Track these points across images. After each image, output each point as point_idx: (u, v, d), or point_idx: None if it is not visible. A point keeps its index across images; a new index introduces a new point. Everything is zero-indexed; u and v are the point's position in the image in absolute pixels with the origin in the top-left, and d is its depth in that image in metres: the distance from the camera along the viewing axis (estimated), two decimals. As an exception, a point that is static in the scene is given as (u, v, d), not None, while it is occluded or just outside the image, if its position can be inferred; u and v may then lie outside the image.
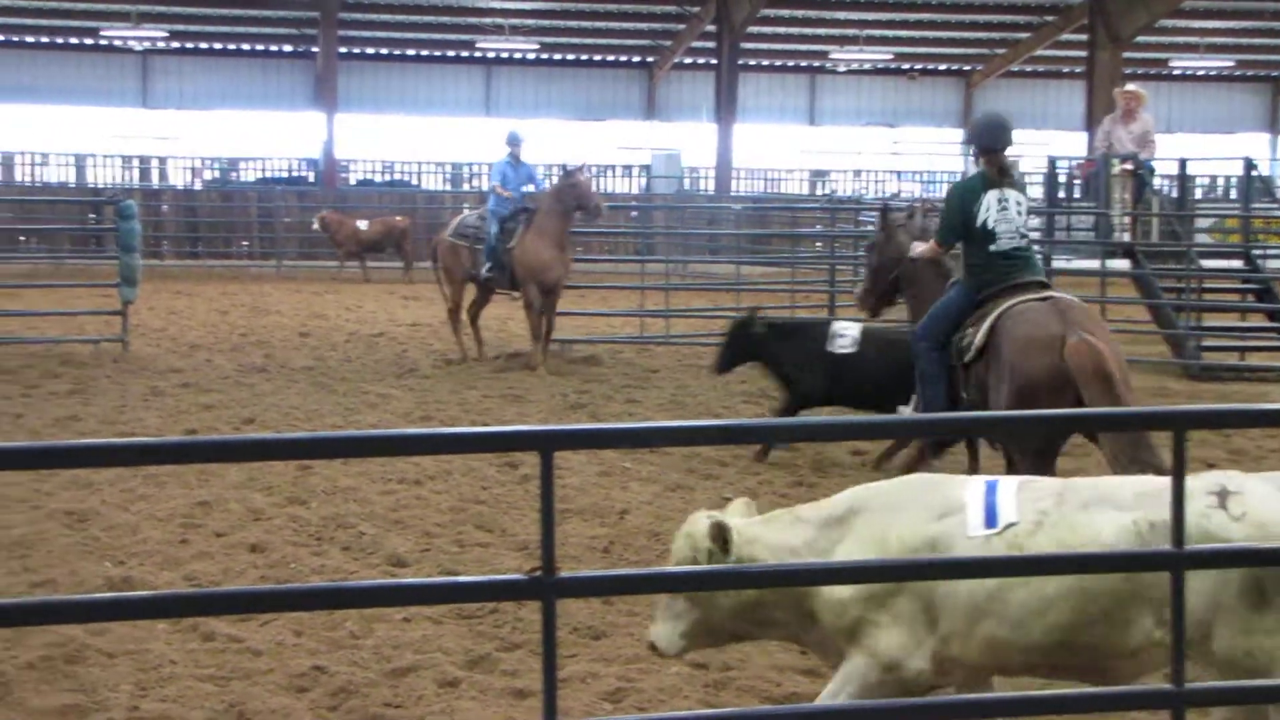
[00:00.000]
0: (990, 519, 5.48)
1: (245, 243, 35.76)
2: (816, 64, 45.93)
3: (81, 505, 11.33)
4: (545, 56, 44.21)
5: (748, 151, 42.55)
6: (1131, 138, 20.26)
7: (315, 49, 40.41)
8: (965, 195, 10.55)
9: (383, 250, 29.43)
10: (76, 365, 18.12)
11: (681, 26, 42.02)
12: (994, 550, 5.41)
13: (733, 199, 37.96)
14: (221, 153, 42.08)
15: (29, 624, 7.98)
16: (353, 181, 40.71)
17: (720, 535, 5.60)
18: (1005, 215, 10.30)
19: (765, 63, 44.82)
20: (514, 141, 19.94)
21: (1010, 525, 5.48)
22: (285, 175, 41.30)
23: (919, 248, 11.40)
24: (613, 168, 43.00)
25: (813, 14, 41.62)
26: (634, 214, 34.11)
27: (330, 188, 37.48)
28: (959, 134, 47.20)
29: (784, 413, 13.09)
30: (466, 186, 41.22)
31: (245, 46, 43.49)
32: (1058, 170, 33.26)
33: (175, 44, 42.78)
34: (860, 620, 5.54)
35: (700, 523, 5.76)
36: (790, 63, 45.76)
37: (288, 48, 42.86)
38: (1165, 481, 5.27)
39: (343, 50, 40.25)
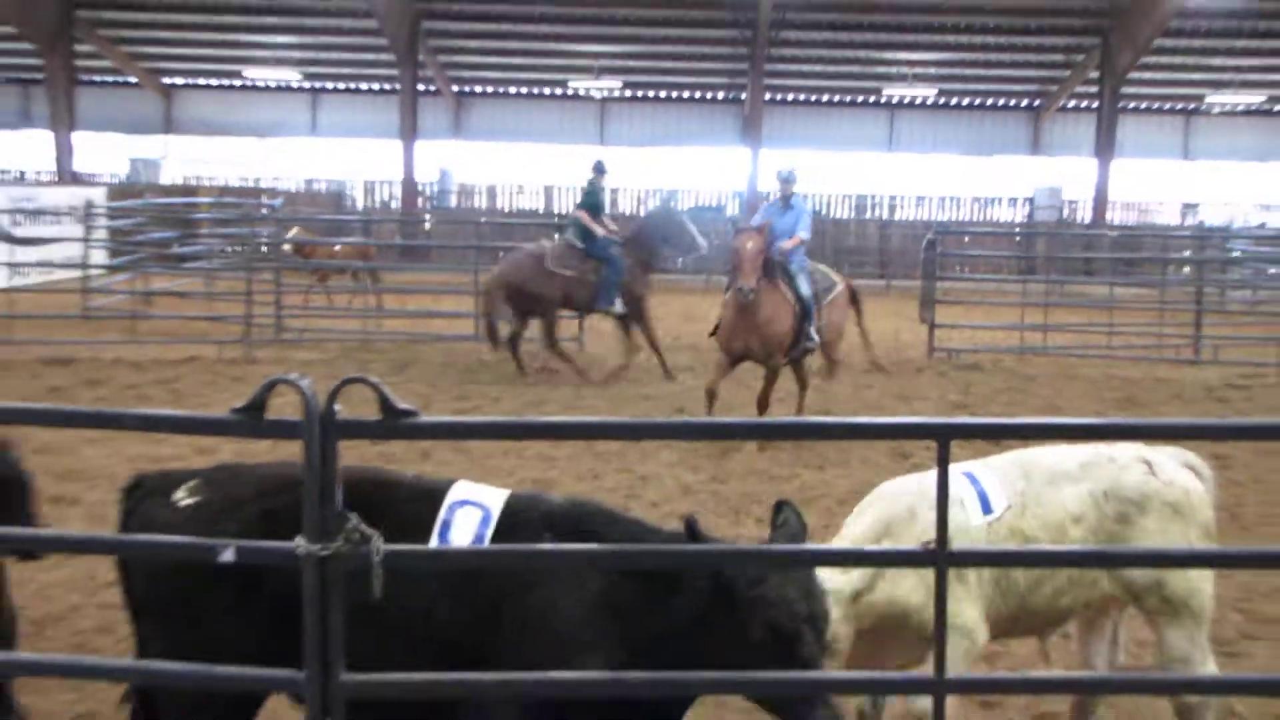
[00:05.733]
0: (986, 507, 5.53)
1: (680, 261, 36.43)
2: (1191, 106, 44.17)
3: (545, 475, 11.69)
4: (942, 101, 43.67)
5: (1123, 185, 41.21)
6: None
7: (744, 95, 40.87)
8: None
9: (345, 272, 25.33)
10: (541, 360, 18.70)
11: (1067, 73, 40.97)
12: (999, 533, 5.56)
13: (1108, 227, 36.82)
14: (660, 185, 42.80)
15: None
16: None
17: None
18: None
19: (1143, 105, 43.31)
20: (783, 180, 15.69)
21: (1008, 508, 5.61)
22: (714, 205, 41.83)
23: None
24: (1000, 198, 42.28)
25: (1190, 60, 40.01)
26: (1018, 239, 33.42)
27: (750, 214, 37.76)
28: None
29: None
30: (868, 214, 41.01)
31: (685, 94, 44.16)
32: None
33: (627, 92, 43.74)
34: None
35: None
36: (1167, 105, 44.11)
37: (720, 94, 43.36)
38: (1092, 449, 5.97)
39: (767, 96, 40.60)
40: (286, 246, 22.82)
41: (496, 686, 4.49)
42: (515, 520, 4.81)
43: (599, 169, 19.03)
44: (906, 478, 5.98)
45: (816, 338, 14.57)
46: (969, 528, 5.48)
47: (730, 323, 14.06)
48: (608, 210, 18.85)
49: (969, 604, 5.46)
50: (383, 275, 23.59)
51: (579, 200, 19.10)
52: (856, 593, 5.04)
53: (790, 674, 4.56)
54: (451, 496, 4.86)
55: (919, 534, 5.42)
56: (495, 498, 4.90)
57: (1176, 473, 6.01)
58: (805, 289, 14.42)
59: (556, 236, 19.08)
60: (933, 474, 5.85)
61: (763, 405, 14.30)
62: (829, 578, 5.06)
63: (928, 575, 5.34)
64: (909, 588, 5.29)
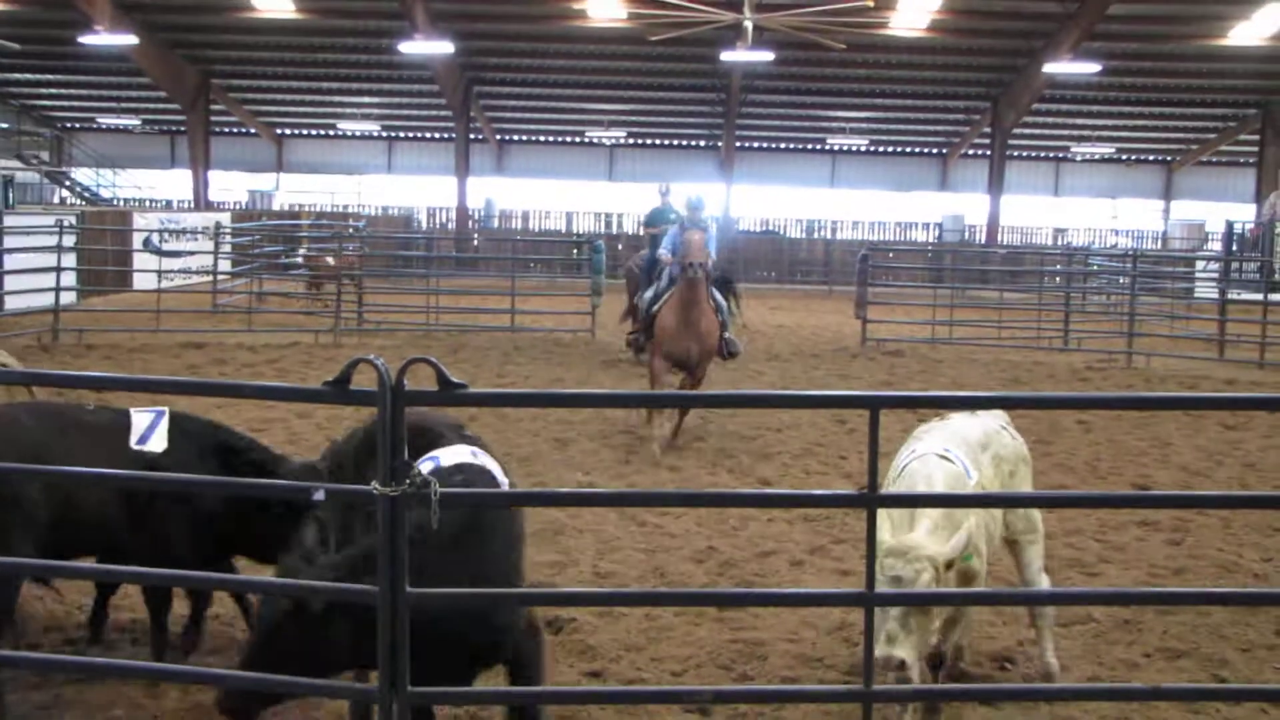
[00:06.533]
0: (968, 474, 5.39)
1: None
2: (1060, 154, 44.13)
3: (564, 435, 11.63)
4: (872, 149, 43.58)
5: (1010, 214, 41.11)
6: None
7: (720, 143, 40.79)
8: None
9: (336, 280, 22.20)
10: (562, 346, 18.64)
11: (967, 128, 40.94)
12: (979, 489, 5.43)
13: (998, 246, 36.77)
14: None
15: (530, 506, 8.28)
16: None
17: None
18: None
19: (1024, 153, 43.18)
20: (693, 207, 12.39)
21: (977, 474, 5.52)
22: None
23: None
24: (916, 224, 42.20)
25: (1058, 120, 40.17)
26: (930, 255, 33.34)
27: (729, 235, 37.76)
28: (1161, 204, 44.90)
29: None
30: (816, 234, 40.96)
31: (675, 142, 44.04)
32: (1234, 231, 31.16)
33: (631, 140, 43.65)
34: None
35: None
36: (1042, 153, 44.03)
37: (702, 142, 43.22)
38: (980, 423, 5.84)
39: (738, 144, 40.54)
40: (299, 258, 22.64)
41: (522, 599, 4.44)
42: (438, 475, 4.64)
43: (663, 192, 17.77)
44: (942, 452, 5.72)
45: (740, 347, 12.48)
46: (968, 490, 5.38)
47: (673, 329, 11.53)
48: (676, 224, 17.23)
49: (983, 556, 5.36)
50: (440, 280, 23.46)
51: (644, 218, 18.69)
52: (949, 562, 4.86)
53: (740, 590, 4.50)
54: (436, 449, 4.78)
55: (973, 487, 5.36)
56: (448, 459, 4.73)
57: (1016, 432, 6.10)
58: (720, 300, 12.16)
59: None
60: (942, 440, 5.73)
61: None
62: (927, 546, 4.80)
63: (988, 548, 5.35)
64: (977, 562, 5.15)
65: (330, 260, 22.65)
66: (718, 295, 12.14)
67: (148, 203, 42.09)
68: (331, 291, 21.69)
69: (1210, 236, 39.49)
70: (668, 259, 11.93)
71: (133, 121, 44.32)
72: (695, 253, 11.43)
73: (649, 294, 12.32)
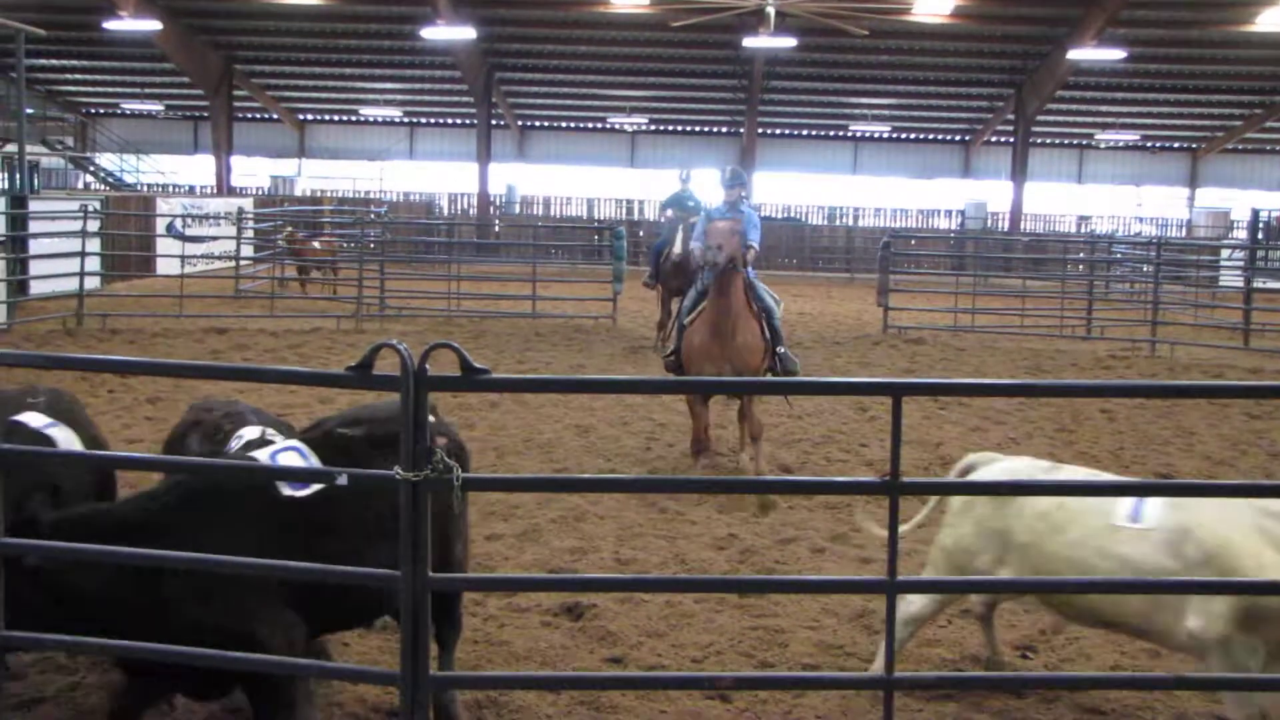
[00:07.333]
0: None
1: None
2: (1084, 141, 43.88)
3: (585, 421, 11.63)
4: (895, 135, 43.42)
5: (1033, 201, 40.91)
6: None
7: (742, 129, 40.66)
8: None
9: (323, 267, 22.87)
10: (583, 333, 18.61)
11: (990, 115, 40.72)
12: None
13: (1021, 234, 36.60)
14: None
15: (553, 491, 8.29)
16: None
17: None
18: None
19: (1048, 140, 42.98)
20: (728, 185, 10.52)
21: None
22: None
23: None
24: (938, 211, 42.03)
25: (1082, 107, 39.88)
26: (952, 242, 33.18)
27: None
28: (1185, 191, 44.57)
29: None
30: (838, 221, 40.86)
31: (696, 128, 43.96)
32: (1260, 218, 30.91)
33: (652, 127, 43.61)
34: None
35: None
36: (1066, 140, 43.79)
37: (724, 129, 43.13)
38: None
39: (760, 131, 40.41)
40: (281, 241, 22.69)
41: (542, 583, 4.44)
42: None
43: (684, 178, 17.34)
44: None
45: (797, 360, 10.18)
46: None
47: (699, 347, 9.53)
48: (702, 211, 15.49)
49: None
50: (461, 266, 23.48)
51: (662, 201, 18.51)
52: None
53: (761, 577, 4.48)
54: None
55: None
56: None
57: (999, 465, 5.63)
58: (770, 303, 9.96)
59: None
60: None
61: (756, 433, 9.78)
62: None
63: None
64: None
65: (316, 245, 22.64)
66: (767, 300, 9.96)
67: (171, 188, 42.30)
68: (316, 278, 21.78)
69: (1235, 224, 39.21)
70: (699, 253, 9.66)
71: (156, 107, 44.53)
72: (715, 235, 9.34)
73: (687, 302, 10.23)
